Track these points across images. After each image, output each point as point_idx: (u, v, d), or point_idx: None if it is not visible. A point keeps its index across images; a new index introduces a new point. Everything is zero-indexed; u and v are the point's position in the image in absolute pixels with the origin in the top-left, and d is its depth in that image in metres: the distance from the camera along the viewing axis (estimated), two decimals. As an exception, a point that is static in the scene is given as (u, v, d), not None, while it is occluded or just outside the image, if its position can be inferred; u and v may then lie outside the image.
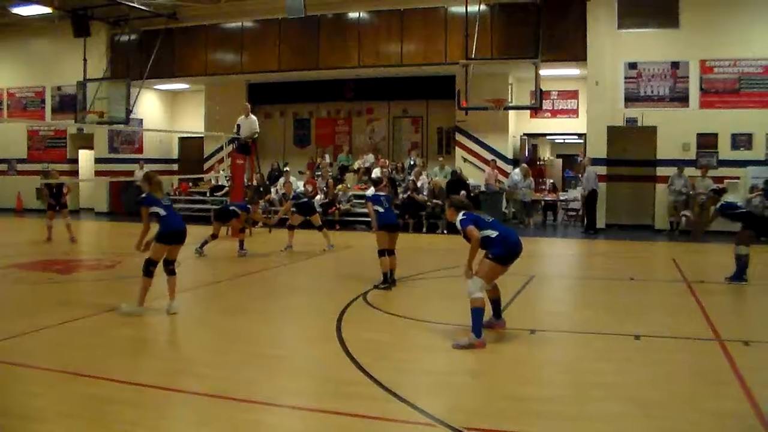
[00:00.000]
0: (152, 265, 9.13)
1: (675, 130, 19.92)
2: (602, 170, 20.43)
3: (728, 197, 12.02)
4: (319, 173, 23.59)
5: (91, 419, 5.50)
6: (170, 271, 9.25)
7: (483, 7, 20.64)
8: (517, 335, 8.13)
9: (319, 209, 18.09)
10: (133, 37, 25.78)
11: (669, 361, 7.14)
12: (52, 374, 6.64)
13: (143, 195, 9.37)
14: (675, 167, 19.64)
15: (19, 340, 7.83)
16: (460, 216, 7.91)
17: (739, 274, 11.71)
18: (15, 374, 6.57)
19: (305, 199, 16.68)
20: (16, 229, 21.94)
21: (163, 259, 9.19)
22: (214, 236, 15.20)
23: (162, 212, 9.15)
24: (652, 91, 20.30)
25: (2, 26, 27.52)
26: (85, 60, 25.14)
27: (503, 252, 7.73)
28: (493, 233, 7.76)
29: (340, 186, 22.61)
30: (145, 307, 9.12)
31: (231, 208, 15.83)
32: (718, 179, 18.80)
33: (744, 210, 11.95)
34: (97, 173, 26.87)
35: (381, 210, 11.37)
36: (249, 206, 16.19)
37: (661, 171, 20.20)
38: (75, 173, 27.72)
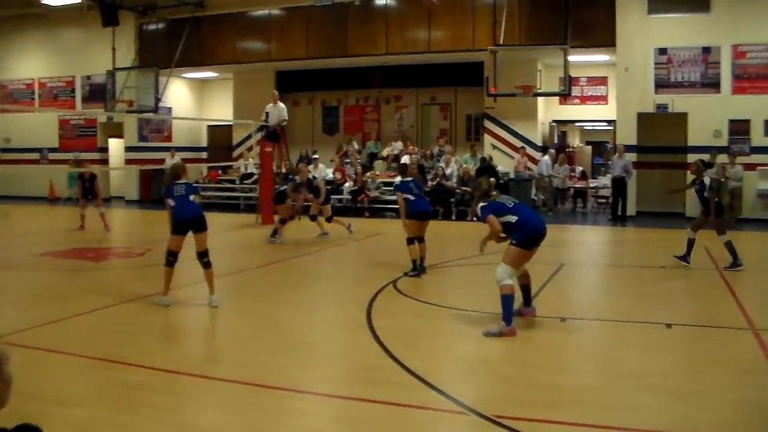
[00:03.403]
0: (171, 255, 9.12)
1: (706, 117, 19.66)
2: (632, 157, 20.23)
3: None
4: (348, 161, 23.60)
5: (123, 405, 5.55)
6: (205, 263, 9.15)
7: (511, -8, 20.53)
8: (548, 323, 8.09)
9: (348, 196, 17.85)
10: (161, 26, 25.92)
11: (701, 350, 7.08)
12: (85, 360, 6.70)
13: (166, 186, 9.42)
14: (707, 154, 19.39)
15: (53, 327, 7.92)
16: (481, 204, 7.94)
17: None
18: (48, 360, 6.64)
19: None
20: (48, 218, 22.17)
21: (196, 252, 9.20)
22: (283, 221, 15.19)
23: (171, 203, 9.14)
24: (682, 77, 20.06)
25: (33, 17, 27.78)
26: (113, 49, 25.28)
27: (525, 236, 7.68)
28: (514, 218, 7.71)
29: (369, 173, 22.61)
30: (170, 297, 9.15)
31: (283, 189, 15.76)
32: (751, 166, 18.60)
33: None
34: (127, 161, 27.07)
35: (411, 198, 11.31)
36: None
37: (692, 158, 19.88)
38: (105, 162, 27.92)
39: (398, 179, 11.92)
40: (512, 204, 7.89)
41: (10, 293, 10.50)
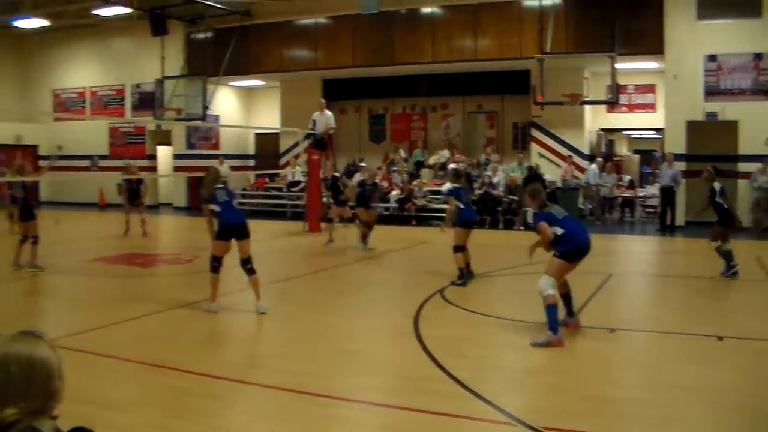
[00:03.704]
0: (216, 260, 9.20)
1: (758, 125, 19.29)
2: (681, 166, 19.95)
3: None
4: (395, 169, 23.61)
5: (170, 409, 5.62)
6: (249, 270, 9.18)
7: (558, 0, 20.40)
8: (596, 333, 8.01)
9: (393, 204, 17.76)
10: (209, 35, 26.19)
11: (753, 365, 6.92)
12: (133, 365, 6.79)
13: (208, 191, 9.46)
14: (759, 163, 19.05)
15: (103, 331, 8.05)
16: (533, 211, 7.94)
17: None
18: (98, 364, 6.75)
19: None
20: (99, 224, 22.47)
21: (239, 259, 9.25)
22: (369, 225, 15.17)
23: (216, 208, 9.19)
24: (732, 84, 19.74)
25: (84, 27, 28.27)
26: (162, 58, 25.69)
27: (569, 249, 7.67)
28: (560, 230, 7.69)
29: (415, 181, 22.60)
30: (218, 304, 9.22)
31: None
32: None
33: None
34: (176, 169, 27.35)
35: (461, 205, 11.31)
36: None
37: (743, 166, 19.64)
38: (154, 169, 28.27)
39: (450, 185, 11.91)
40: (562, 216, 7.87)
41: (63, 298, 10.73)
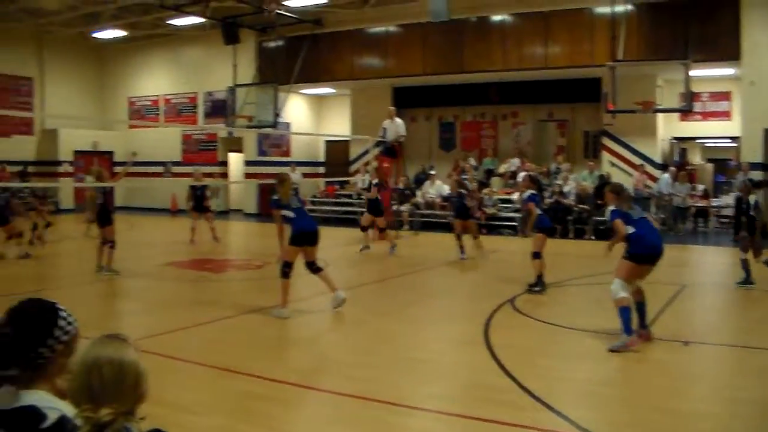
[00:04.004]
0: (287, 266, 9.31)
1: (839, 132, 18.80)
2: (758, 175, 19.45)
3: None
4: (465, 177, 23.50)
5: (239, 414, 5.69)
6: (315, 269, 9.39)
7: (630, 6, 20.14)
8: (669, 346, 7.88)
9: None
10: (280, 43, 26.46)
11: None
12: (204, 369, 6.91)
13: (274, 197, 9.56)
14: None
15: (175, 335, 8.21)
16: (612, 206, 7.91)
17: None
18: (171, 367, 6.88)
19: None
20: (170, 229, 22.88)
21: (304, 262, 9.37)
22: (476, 235, 15.21)
23: (290, 214, 9.29)
24: (813, 91, 19.23)
25: (159, 37, 29.04)
26: (234, 66, 26.04)
27: (638, 251, 7.65)
28: (632, 230, 7.68)
29: (485, 190, 22.50)
30: (289, 309, 9.32)
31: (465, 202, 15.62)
32: None
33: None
34: (247, 175, 27.67)
35: (539, 212, 11.42)
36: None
37: (822, 176, 19.13)
38: (225, 175, 28.67)
39: (528, 191, 11.95)
40: (638, 217, 7.86)
41: (137, 301, 10.97)
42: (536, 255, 11.17)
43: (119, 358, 2.25)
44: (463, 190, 15.65)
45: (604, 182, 20.37)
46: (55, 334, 2.44)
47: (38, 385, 2.37)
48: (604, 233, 7.89)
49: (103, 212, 13.11)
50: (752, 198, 11.83)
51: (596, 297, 10.77)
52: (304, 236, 9.26)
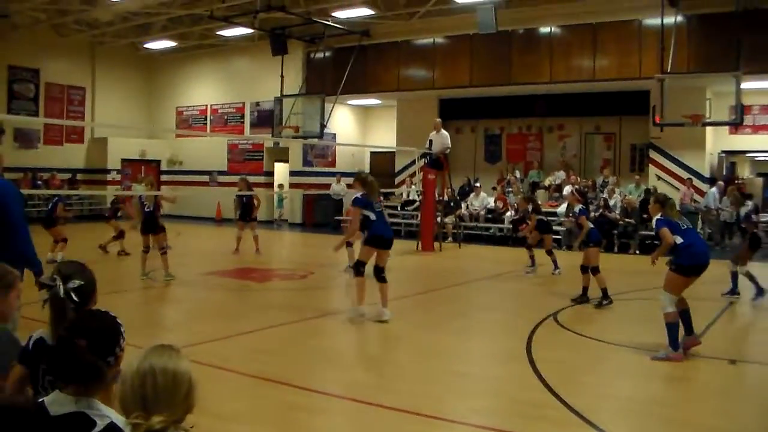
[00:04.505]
0: (361, 265, 9.59)
1: None
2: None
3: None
4: (510, 189, 23.45)
5: (282, 425, 5.73)
6: (382, 278, 9.55)
7: (680, 18, 19.94)
8: (715, 364, 7.78)
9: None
10: (327, 54, 26.65)
11: None
12: (248, 378, 6.95)
13: (358, 195, 9.66)
14: None
15: (219, 344, 8.26)
16: (658, 216, 7.89)
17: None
18: (215, 376, 6.90)
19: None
20: (215, 238, 23.07)
21: (374, 266, 9.48)
22: (549, 251, 15.15)
23: (372, 216, 9.45)
24: None
25: (208, 47, 29.49)
26: (282, 77, 26.22)
27: (685, 263, 7.61)
28: (680, 239, 7.63)
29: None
30: (365, 306, 9.56)
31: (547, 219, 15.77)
32: None
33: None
34: (292, 185, 27.85)
35: (591, 225, 11.58)
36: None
37: None
38: (271, 185, 28.88)
39: (580, 206, 12.14)
40: (685, 227, 7.82)
41: (182, 310, 11.08)
42: (596, 269, 11.16)
43: (173, 367, 2.32)
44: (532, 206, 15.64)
45: (650, 196, 20.22)
46: (121, 344, 2.58)
47: (93, 393, 2.44)
48: (650, 248, 7.81)
49: (150, 220, 13.29)
50: (742, 211, 11.82)
51: (640, 313, 10.68)
52: (382, 240, 9.49)
